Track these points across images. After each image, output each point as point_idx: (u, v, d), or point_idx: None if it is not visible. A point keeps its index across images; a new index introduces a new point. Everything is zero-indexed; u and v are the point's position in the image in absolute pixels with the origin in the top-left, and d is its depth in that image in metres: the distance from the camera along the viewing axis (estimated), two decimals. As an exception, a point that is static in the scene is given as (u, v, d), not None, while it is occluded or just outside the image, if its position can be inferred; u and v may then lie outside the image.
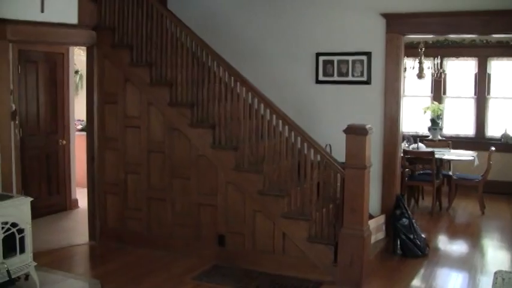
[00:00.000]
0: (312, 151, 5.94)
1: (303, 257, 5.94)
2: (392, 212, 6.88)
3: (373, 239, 6.24)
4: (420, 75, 10.54)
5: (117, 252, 6.78)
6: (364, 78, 7.09)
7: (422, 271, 6.33)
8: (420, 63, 10.45)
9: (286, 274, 5.96)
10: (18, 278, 5.27)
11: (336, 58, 7.24)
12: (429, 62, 10.92)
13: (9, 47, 6.36)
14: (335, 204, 6.00)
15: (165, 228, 6.73)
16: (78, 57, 9.64)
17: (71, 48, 8.77)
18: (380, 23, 6.94)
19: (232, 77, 6.31)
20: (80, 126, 10.01)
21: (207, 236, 6.47)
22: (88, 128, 7.25)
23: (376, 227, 6.58)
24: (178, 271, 6.14)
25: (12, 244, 5.17)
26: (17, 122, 7.12)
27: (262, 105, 6.17)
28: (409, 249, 6.71)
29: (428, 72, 10.83)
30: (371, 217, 6.47)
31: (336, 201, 5.98)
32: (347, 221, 5.72)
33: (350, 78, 7.16)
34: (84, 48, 7.45)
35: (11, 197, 5.39)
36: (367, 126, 5.67)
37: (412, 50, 9.87)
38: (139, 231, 6.91)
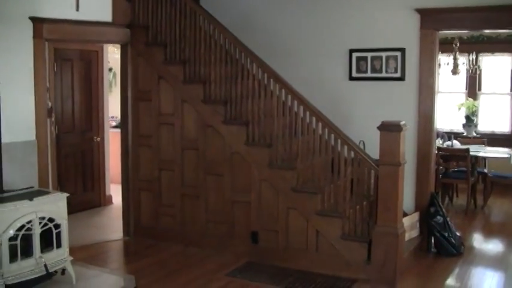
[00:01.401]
0: (346, 148, 5.91)
1: (336, 255, 5.91)
2: (427, 210, 6.81)
3: (407, 237, 6.19)
4: (455, 71, 10.40)
5: (150, 248, 6.84)
6: (398, 75, 7.02)
7: (457, 270, 6.25)
8: (455, 59, 10.31)
9: (319, 272, 5.94)
10: (55, 272, 5.35)
11: (369, 54, 7.19)
12: (464, 57, 10.77)
13: (45, 46, 6.43)
14: (369, 201, 5.96)
15: (199, 225, 6.77)
16: (112, 55, 9.73)
17: (105, 46, 8.86)
18: (414, 19, 6.86)
19: (265, 74, 6.31)
20: (113, 123, 10.11)
21: (240, 233, 6.49)
22: (122, 125, 7.32)
23: (410, 225, 6.52)
24: (211, 267, 6.17)
25: (49, 239, 5.25)
26: (53, 119, 7.23)
27: (295, 102, 6.15)
28: (443, 247, 6.64)
29: (463, 68, 10.69)
30: (405, 215, 6.42)
31: (370, 199, 5.94)
32: (381, 219, 5.68)
33: (384, 74, 7.09)
34: (118, 46, 7.53)
35: (48, 193, 5.48)
36: (402, 123, 5.62)
37: (446, 46, 9.73)
38: (172, 227, 6.96)
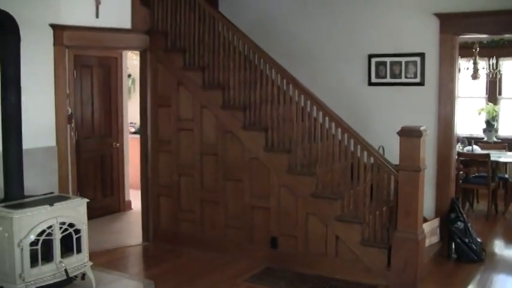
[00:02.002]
0: (365, 153, 5.88)
1: (356, 261, 5.88)
2: (447, 215, 6.76)
3: (427, 243, 6.15)
4: (475, 76, 10.33)
5: (170, 254, 6.85)
6: (418, 80, 6.99)
7: (478, 276, 6.17)
8: (475, 63, 10.25)
9: (339, 277, 5.91)
10: (75, 277, 5.37)
11: (388, 60, 7.17)
12: (484, 62, 10.70)
13: (65, 52, 6.49)
14: (388, 207, 5.93)
15: (218, 230, 6.77)
16: (131, 61, 9.78)
17: (124, 52, 8.91)
18: (434, 24, 6.84)
19: (284, 80, 6.30)
20: (132, 129, 10.16)
21: (259, 238, 6.48)
22: (141, 131, 7.35)
23: (430, 231, 6.48)
24: (230, 273, 6.16)
25: (70, 244, 5.26)
26: (72, 125, 7.27)
27: (315, 108, 6.14)
28: (464, 253, 6.58)
29: (483, 73, 10.62)
30: (425, 220, 6.37)
31: (390, 204, 5.91)
32: (401, 224, 5.64)
33: (403, 79, 7.08)
34: (137, 52, 7.57)
35: (68, 198, 5.50)
36: (421, 128, 5.59)
37: (466, 50, 9.67)
38: (192, 233, 6.96)
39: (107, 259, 6.55)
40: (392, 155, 5.95)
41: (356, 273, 5.86)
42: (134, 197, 8.93)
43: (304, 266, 6.15)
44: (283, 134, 6.30)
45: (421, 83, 6.98)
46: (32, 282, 4.89)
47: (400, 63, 7.10)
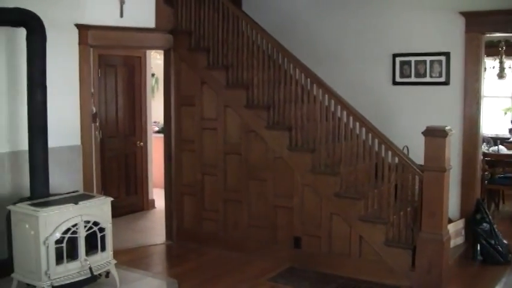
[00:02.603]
0: (390, 153, 5.84)
1: (379, 261, 5.84)
2: (472, 217, 6.69)
3: (452, 244, 6.09)
4: (501, 75, 10.24)
5: (193, 253, 6.87)
6: (443, 79, 6.94)
7: (504, 279, 6.08)
8: (501, 62, 10.15)
9: (363, 278, 5.88)
10: (100, 275, 5.40)
11: (413, 59, 7.13)
12: (510, 61, 10.58)
13: (90, 52, 6.54)
14: (413, 207, 5.88)
15: (241, 230, 6.77)
16: (154, 60, 9.84)
17: (147, 51, 8.94)
18: (459, 22, 6.78)
19: (308, 79, 6.28)
20: (156, 128, 10.20)
21: (282, 238, 6.47)
22: (165, 130, 7.37)
23: (455, 232, 6.43)
24: (254, 273, 6.16)
25: (94, 242, 5.30)
26: (97, 124, 7.34)
27: (339, 107, 6.12)
28: (490, 255, 6.51)
29: (509, 72, 10.50)
30: (450, 221, 6.32)
31: (414, 204, 5.86)
32: (425, 225, 5.59)
33: (428, 79, 7.03)
34: (160, 51, 7.60)
35: (92, 196, 5.53)
36: (447, 128, 5.54)
37: (492, 49, 9.57)
38: (215, 232, 6.97)
39: (131, 257, 6.59)
40: (417, 155, 5.89)
41: (380, 274, 5.82)
42: (158, 196, 8.98)
43: (328, 266, 6.12)
44: (307, 133, 6.28)
45: (446, 83, 6.92)
46: (57, 279, 4.94)
47: (424, 62, 7.05)
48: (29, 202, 5.13)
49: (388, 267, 5.79)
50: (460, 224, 6.68)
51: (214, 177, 6.92)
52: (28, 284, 5.06)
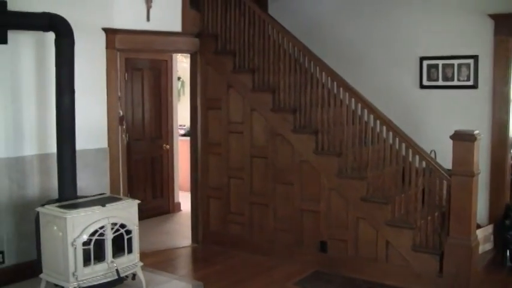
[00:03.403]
0: (417, 157, 5.80)
1: (406, 266, 5.79)
2: (502, 222, 6.60)
3: (480, 250, 6.01)
4: (529, 79, 10.07)
5: (219, 256, 6.88)
6: (471, 83, 6.86)
7: (533, 285, 6.03)
8: (529, 66, 9.99)
9: (389, 283, 5.83)
10: (126, 277, 5.41)
11: (440, 62, 7.05)
12: (539, 65, 10.42)
13: (117, 56, 6.58)
14: (441, 212, 5.82)
15: (267, 234, 6.77)
16: (180, 64, 9.88)
17: (174, 55, 8.99)
18: (488, 25, 6.69)
19: (335, 82, 6.26)
20: (182, 132, 10.24)
21: (308, 242, 6.45)
22: (192, 134, 7.40)
23: (483, 237, 6.34)
24: (279, 276, 6.15)
25: (121, 244, 5.31)
26: (124, 127, 7.39)
27: (365, 111, 6.08)
28: (519, 261, 6.43)
29: (538, 76, 10.34)
30: (478, 227, 6.23)
31: (442, 209, 5.80)
32: (453, 230, 5.53)
33: (456, 82, 6.95)
34: (186, 55, 7.62)
35: (119, 199, 5.55)
36: (475, 132, 5.48)
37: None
38: (241, 235, 6.98)
39: (157, 260, 6.62)
40: (444, 159, 5.84)
41: (407, 279, 5.77)
42: (183, 199, 9.02)
43: (354, 271, 6.09)
44: (334, 137, 6.26)
45: (474, 86, 6.84)
46: (85, 280, 4.96)
47: (452, 65, 6.98)
48: (57, 204, 5.17)
49: (415, 273, 5.73)
50: (489, 229, 6.59)
51: (240, 181, 6.93)
52: (56, 285, 5.10)
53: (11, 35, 5.56)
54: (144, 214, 7.50)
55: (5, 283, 5.55)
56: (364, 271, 6.03)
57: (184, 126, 10.40)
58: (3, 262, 5.64)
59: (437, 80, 7.09)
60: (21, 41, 5.68)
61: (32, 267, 5.45)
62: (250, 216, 6.89)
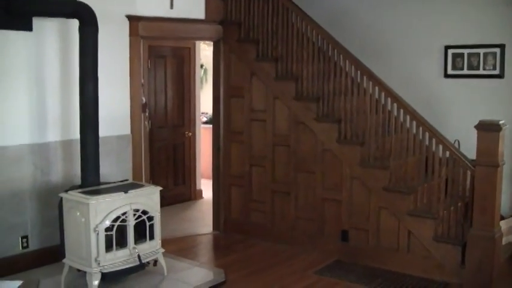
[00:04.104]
0: (441, 147, 5.74)
1: (428, 257, 5.76)
2: (525, 213, 6.55)
3: (504, 241, 5.93)
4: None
5: (240, 243, 6.90)
6: (497, 72, 6.75)
7: (557, 277, 5.97)
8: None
9: (410, 273, 5.81)
10: (148, 263, 5.46)
11: (466, 51, 6.96)
12: None
13: (140, 43, 6.60)
14: (464, 203, 5.76)
15: (288, 222, 6.77)
16: (203, 51, 9.88)
17: (197, 43, 8.99)
18: (515, 13, 6.61)
19: (359, 71, 6.21)
20: (204, 119, 10.26)
21: (330, 231, 6.44)
22: (214, 121, 7.41)
23: (507, 229, 6.26)
24: (300, 265, 6.15)
25: (143, 231, 5.36)
26: (146, 114, 7.41)
27: (389, 100, 6.04)
28: (543, 253, 6.36)
29: None
30: (502, 218, 6.16)
31: (465, 200, 5.75)
32: (476, 221, 5.47)
33: (481, 71, 6.85)
34: (209, 43, 7.62)
35: (142, 186, 5.59)
36: (500, 122, 5.40)
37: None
38: (262, 223, 6.99)
39: (178, 247, 6.66)
40: (469, 149, 5.78)
41: (428, 270, 5.74)
42: (205, 187, 9.06)
43: (375, 261, 6.07)
44: (357, 126, 6.23)
45: (500, 76, 6.74)
46: (107, 266, 5.01)
47: (478, 54, 6.88)
48: (80, 190, 5.22)
49: (437, 263, 5.70)
50: (512, 221, 6.53)
51: (262, 169, 6.93)
52: (79, 270, 5.17)
53: (36, 22, 5.61)
54: (165, 201, 7.53)
55: (29, 267, 5.63)
56: (385, 261, 6.01)
57: (206, 113, 10.42)
58: (27, 247, 5.72)
59: (462, 69, 7.00)
60: (46, 28, 5.72)
61: (55, 252, 5.52)
62: (272, 205, 6.89)
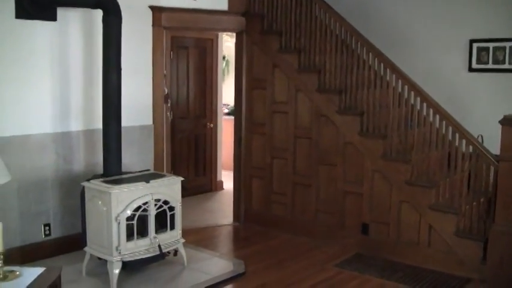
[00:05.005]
0: (464, 141, 5.69)
1: (449, 252, 5.72)
2: (549, 210, 6.46)
3: (527, 238, 5.89)
4: None
5: (260, 235, 6.90)
6: (523, 66, 6.68)
7: None
8: None
9: (431, 268, 5.78)
10: (168, 253, 5.50)
11: (491, 45, 6.86)
12: None
13: (163, 34, 6.61)
14: (486, 198, 5.72)
15: (309, 215, 6.76)
16: (225, 43, 9.87)
17: (219, 34, 8.98)
18: (542, 7, 6.51)
19: (382, 64, 6.17)
20: (225, 110, 10.26)
21: (350, 224, 6.42)
22: (236, 113, 7.41)
23: (530, 225, 6.21)
24: (320, 258, 6.14)
25: (164, 221, 5.39)
26: (168, 105, 7.44)
27: (412, 94, 5.99)
28: None
29: None
30: (525, 214, 6.11)
31: (488, 195, 5.70)
32: (499, 217, 5.40)
33: (507, 66, 6.75)
34: (231, 34, 7.60)
35: (163, 176, 5.61)
36: (526, 117, 5.34)
37: None
38: (283, 215, 6.99)
39: (198, 237, 6.68)
40: (492, 144, 5.70)
41: (449, 265, 5.70)
42: (226, 178, 9.07)
43: (395, 254, 6.05)
44: (379, 119, 6.19)
45: (526, 70, 6.66)
46: (128, 255, 5.06)
47: (504, 48, 6.79)
48: (102, 179, 5.26)
49: (458, 259, 5.66)
50: (536, 217, 6.45)
51: (283, 161, 6.93)
52: (99, 258, 5.21)
53: (60, 12, 5.65)
54: (186, 192, 7.53)
55: (51, 255, 5.70)
56: (406, 255, 5.98)
57: (227, 105, 10.43)
58: (49, 234, 5.78)
59: (487, 63, 6.92)
60: (70, 18, 5.76)
61: (76, 240, 5.57)
62: (293, 197, 6.89)
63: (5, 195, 5.35)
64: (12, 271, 3.36)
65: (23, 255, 5.44)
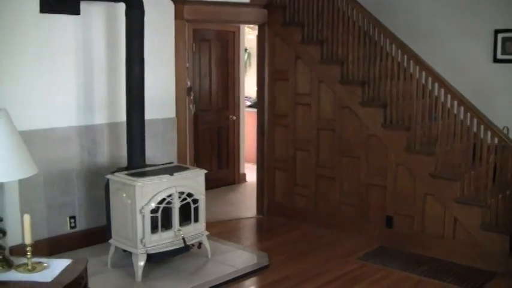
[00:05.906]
0: (489, 133, 5.63)
1: (474, 245, 5.66)
2: None
3: (553, 230, 5.83)
4: None
5: (283, 227, 6.90)
6: (549, 57, 6.59)
7: None
8: None
9: (456, 261, 5.72)
10: (192, 245, 5.52)
11: (517, 35, 6.80)
12: None
13: (185, 27, 6.62)
14: (512, 190, 5.67)
15: (332, 207, 6.74)
16: (247, 35, 9.85)
17: (241, 26, 8.97)
18: None
19: (405, 56, 6.12)
20: (248, 103, 10.26)
21: (374, 216, 6.39)
22: (258, 105, 7.40)
23: (557, 218, 6.14)
24: (343, 250, 6.13)
25: (188, 213, 5.41)
26: (191, 97, 7.45)
27: (436, 85, 5.94)
28: None
29: None
30: (551, 206, 6.04)
31: (514, 188, 5.65)
32: (525, 210, 5.39)
33: (533, 56, 6.69)
34: (253, 26, 7.58)
35: (187, 168, 5.63)
36: (552, 109, 5.28)
37: None
38: (306, 208, 6.98)
39: (222, 230, 6.70)
40: (518, 136, 5.67)
41: (474, 258, 5.65)
42: (249, 170, 9.08)
43: (420, 247, 6.01)
44: (403, 111, 6.14)
45: (552, 61, 6.57)
46: (152, 247, 5.09)
47: (530, 39, 6.72)
48: (126, 172, 5.30)
49: (484, 252, 5.60)
50: (562, 209, 6.38)
51: (306, 153, 6.91)
52: (124, 250, 5.25)
53: (83, 5, 5.68)
54: (209, 184, 7.54)
55: (76, 247, 5.76)
56: (430, 248, 5.94)
57: (250, 98, 10.42)
58: (75, 227, 5.84)
59: (512, 53, 6.84)
60: (93, 12, 5.79)
61: (101, 233, 5.62)
62: (316, 189, 6.88)
63: (32, 188, 5.41)
64: (39, 263, 3.39)
65: (50, 247, 5.51)
